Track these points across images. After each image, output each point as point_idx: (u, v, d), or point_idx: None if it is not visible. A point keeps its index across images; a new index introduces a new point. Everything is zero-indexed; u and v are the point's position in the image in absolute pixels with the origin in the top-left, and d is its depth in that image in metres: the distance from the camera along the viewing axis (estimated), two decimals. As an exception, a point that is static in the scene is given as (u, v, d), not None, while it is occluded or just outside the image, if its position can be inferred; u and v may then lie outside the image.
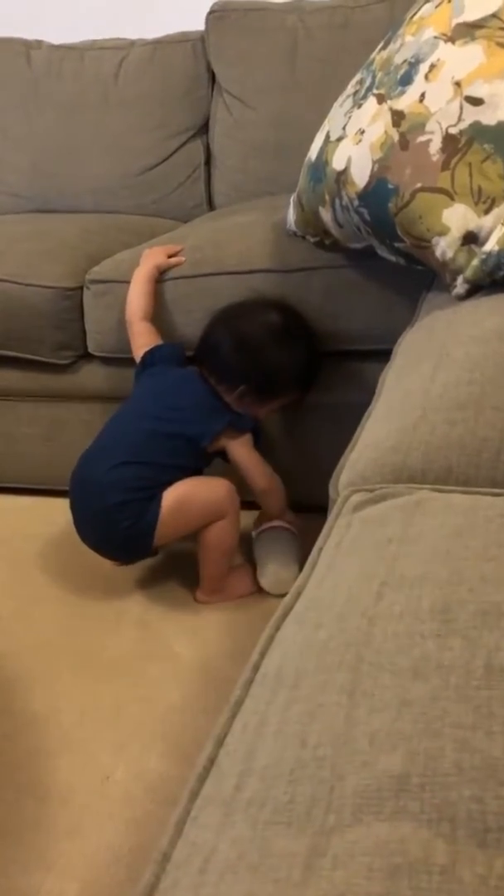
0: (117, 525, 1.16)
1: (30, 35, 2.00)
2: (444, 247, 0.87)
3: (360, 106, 0.98)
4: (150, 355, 1.27)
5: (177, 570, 1.35)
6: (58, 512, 1.56)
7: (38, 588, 1.35)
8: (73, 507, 1.25)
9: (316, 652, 0.42)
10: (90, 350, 1.40)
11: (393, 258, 1.01)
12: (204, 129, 1.83)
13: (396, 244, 0.95)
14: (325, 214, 1.07)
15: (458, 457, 0.63)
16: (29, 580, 1.37)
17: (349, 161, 0.97)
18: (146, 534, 1.16)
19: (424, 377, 0.75)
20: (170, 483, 1.17)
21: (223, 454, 1.23)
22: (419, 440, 0.66)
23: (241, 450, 1.21)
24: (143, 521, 1.15)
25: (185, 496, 1.17)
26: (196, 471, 1.22)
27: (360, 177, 0.94)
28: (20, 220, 1.80)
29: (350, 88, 1.06)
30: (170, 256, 1.31)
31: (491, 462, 0.62)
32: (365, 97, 0.98)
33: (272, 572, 1.24)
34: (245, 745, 0.37)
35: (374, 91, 0.96)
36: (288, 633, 0.46)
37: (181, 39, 1.83)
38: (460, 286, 0.87)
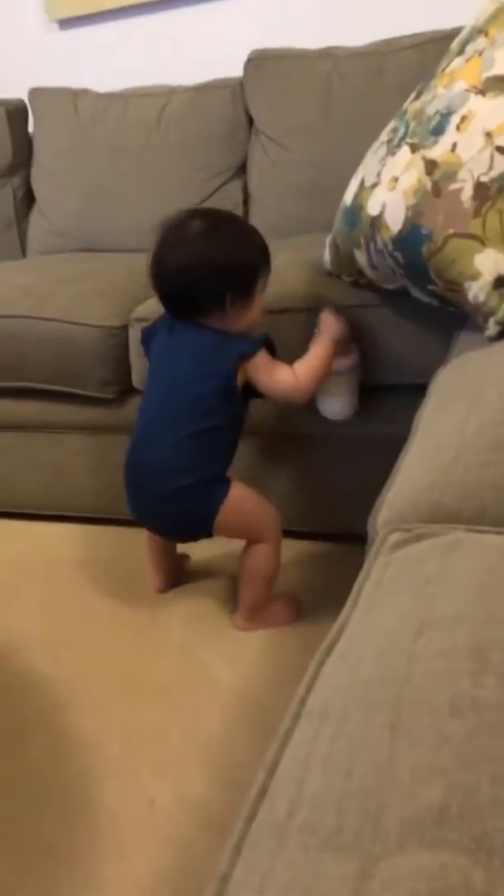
0: (181, 506, 1.18)
1: (78, 84, 2.11)
2: (477, 290, 0.90)
3: (394, 154, 1.03)
4: (145, 332, 1.27)
5: (219, 596, 1.39)
6: (104, 539, 1.62)
7: (85, 613, 1.40)
8: (131, 493, 1.26)
9: (359, 689, 0.45)
10: (134, 385, 1.46)
11: (426, 299, 1.04)
12: (242, 170, 1.89)
13: (430, 287, 0.99)
14: (360, 257, 1.11)
15: (492, 497, 0.66)
16: (75, 606, 1.42)
17: (384, 207, 1.01)
18: (208, 517, 1.18)
19: (458, 418, 0.78)
20: (226, 452, 1.20)
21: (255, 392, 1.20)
22: (454, 480, 0.69)
23: (262, 376, 1.16)
24: (206, 506, 1.17)
25: (244, 494, 1.20)
26: (239, 421, 1.22)
27: (395, 222, 0.99)
28: (67, 259, 1.87)
29: (384, 136, 1.11)
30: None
31: (526, 503, 0.65)
32: (399, 146, 1.03)
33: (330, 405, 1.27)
34: (295, 774, 0.41)
35: (408, 140, 1.01)
36: (331, 669, 0.50)
37: (220, 85, 1.90)
38: (492, 328, 0.91)
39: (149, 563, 1.41)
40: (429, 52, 1.59)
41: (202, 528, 1.21)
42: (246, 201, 1.89)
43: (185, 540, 1.35)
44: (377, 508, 0.73)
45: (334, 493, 1.40)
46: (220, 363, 1.14)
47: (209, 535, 1.22)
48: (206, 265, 1.10)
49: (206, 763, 1.05)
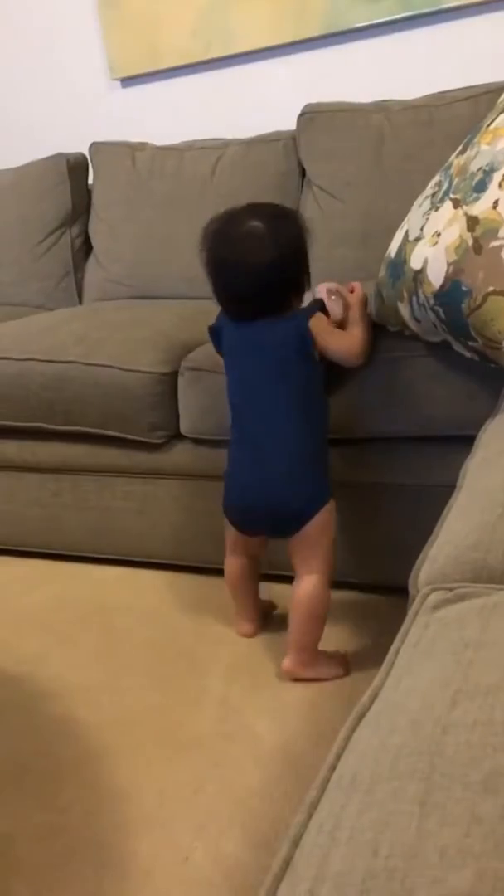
0: (292, 486, 1.19)
1: (138, 138, 2.19)
2: (514, 348, 0.89)
3: (437, 209, 1.03)
4: (212, 329, 1.28)
5: (261, 650, 1.36)
6: (148, 584, 1.62)
7: (125, 660, 1.39)
8: (236, 483, 1.24)
9: (390, 758, 0.43)
10: (182, 431, 1.47)
11: (468, 355, 1.03)
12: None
13: (470, 343, 0.98)
14: (404, 310, 1.11)
15: (538, 558, 0.64)
16: (117, 652, 1.42)
17: (426, 262, 1.01)
18: (312, 506, 1.19)
19: (502, 471, 0.76)
20: (324, 433, 1.22)
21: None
22: (499, 539, 0.67)
23: (328, 337, 1.19)
24: (314, 495, 1.19)
25: (333, 521, 1.22)
26: (325, 397, 1.24)
27: (436, 277, 0.98)
28: (121, 306, 1.92)
29: (429, 189, 1.11)
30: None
31: None
32: (442, 200, 1.03)
33: None
34: (319, 848, 0.39)
35: (451, 195, 1.01)
36: (363, 735, 0.48)
37: (273, 139, 1.95)
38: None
39: (234, 609, 1.39)
40: (481, 105, 1.61)
41: (301, 517, 1.19)
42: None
43: (271, 530, 1.26)
44: (419, 565, 0.71)
45: (381, 543, 1.38)
46: (293, 330, 1.16)
47: (295, 531, 1.20)
48: (287, 258, 1.14)
49: (243, 821, 1.02)
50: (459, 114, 1.67)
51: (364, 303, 1.26)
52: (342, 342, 1.21)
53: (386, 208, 1.66)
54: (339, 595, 1.35)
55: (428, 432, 1.26)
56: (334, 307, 1.24)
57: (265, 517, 1.23)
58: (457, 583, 0.64)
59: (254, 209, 1.18)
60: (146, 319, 1.67)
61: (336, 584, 1.31)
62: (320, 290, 1.27)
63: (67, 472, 1.63)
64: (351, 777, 0.44)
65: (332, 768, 0.46)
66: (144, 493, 1.58)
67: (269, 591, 1.44)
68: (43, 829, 1.05)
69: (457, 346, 1.05)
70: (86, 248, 2.22)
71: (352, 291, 1.29)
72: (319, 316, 1.19)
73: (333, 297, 1.25)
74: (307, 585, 1.22)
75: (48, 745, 1.20)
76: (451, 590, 0.62)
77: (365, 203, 1.76)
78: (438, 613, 0.59)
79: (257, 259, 1.13)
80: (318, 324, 1.18)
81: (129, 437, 1.51)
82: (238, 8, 2.19)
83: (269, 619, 1.43)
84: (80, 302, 2.21)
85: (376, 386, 1.25)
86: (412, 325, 1.13)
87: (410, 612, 0.62)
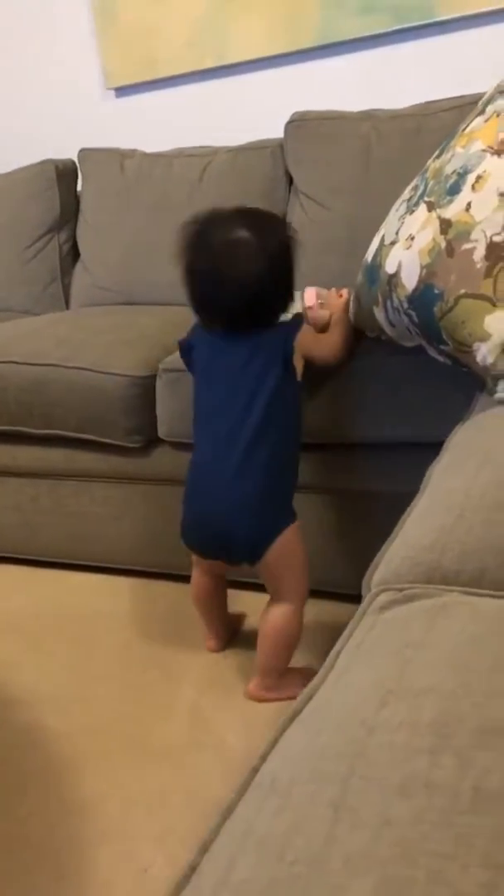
0: (244, 517, 1.11)
1: (132, 147, 2.19)
2: (486, 352, 0.87)
3: (412, 212, 1.02)
4: (183, 344, 1.23)
5: (235, 660, 1.34)
6: (124, 591, 1.60)
7: (98, 668, 1.37)
8: (191, 503, 1.18)
9: (312, 760, 0.41)
10: (160, 435, 1.45)
11: (441, 359, 1.02)
12: (281, 227, 1.91)
13: (442, 346, 0.97)
14: (379, 314, 1.10)
15: (494, 559, 0.62)
16: (89, 659, 1.39)
17: (400, 265, 1.00)
18: (266, 538, 1.12)
19: (468, 476, 0.75)
20: (291, 461, 1.16)
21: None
22: (455, 540, 0.65)
23: (314, 346, 1.17)
24: (269, 526, 1.12)
25: (300, 537, 1.15)
26: (299, 421, 1.18)
27: (410, 281, 0.97)
28: (105, 311, 1.91)
29: (406, 194, 1.10)
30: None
31: (527, 566, 0.61)
32: (417, 204, 1.02)
33: None
34: (227, 854, 0.37)
35: (426, 199, 1.00)
36: (292, 736, 0.46)
37: (261, 146, 1.95)
38: (501, 391, 0.87)
39: (202, 622, 1.35)
40: (467, 114, 1.60)
41: (257, 547, 1.12)
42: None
43: (228, 559, 1.19)
44: (374, 566, 0.69)
45: (347, 551, 1.36)
46: (278, 348, 1.12)
47: (256, 560, 1.13)
48: (278, 268, 1.10)
49: (206, 832, 0.99)
50: (446, 123, 1.66)
51: (346, 306, 1.25)
52: (325, 347, 1.20)
53: (372, 216, 1.63)
54: (322, 605, 1.33)
55: (401, 438, 1.24)
56: (321, 312, 1.23)
57: (219, 549, 1.17)
58: (409, 584, 0.62)
59: (240, 215, 1.13)
60: (129, 324, 1.66)
61: (319, 593, 1.28)
62: (308, 294, 1.25)
63: (45, 477, 1.61)
64: (271, 780, 0.42)
65: (255, 771, 0.44)
66: (122, 498, 1.56)
67: (239, 599, 1.41)
68: (1, 839, 1.03)
69: (430, 351, 1.04)
70: (73, 253, 2.21)
71: (340, 296, 1.28)
72: (305, 330, 1.16)
73: (321, 302, 1.24)
74: (276, 615, 1.17)
75: (13, 753, 1.18)
76: (401, 590, 0.60)
77: (351, 211, 1.75)
78: (385, 614, 0.57)
79: (244, 271, 1.08)
80: (304, 339, 1.15)
81: (107, 441, 1.49)
82: (232, 19, 2.19)
83: (238, 632, 1.41)
84: (67, 307, 2.20)
85: (355, 389, 1.24)
86: (388, 329, 1.12)
87: (357, 613, 0.60)
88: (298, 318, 1.18)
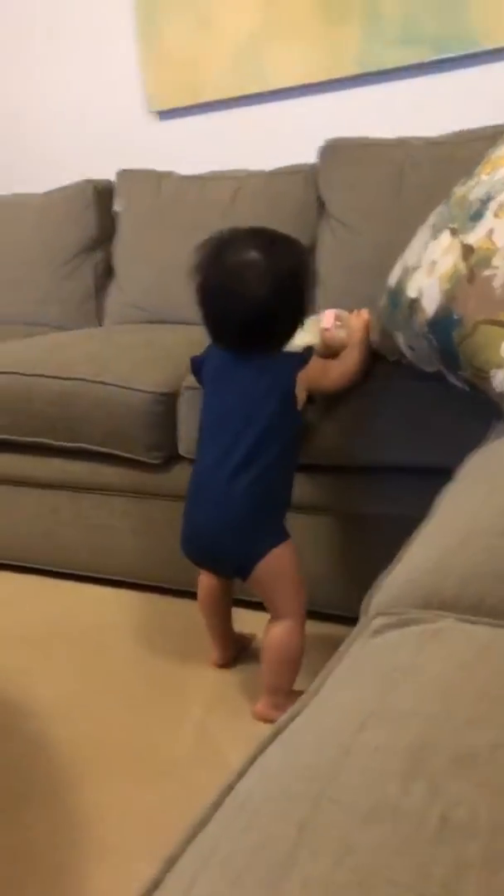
0: (236, 534, 1.13)
1: (168, 168, 2.23)
2: (502, 379, 0.87)
3: (436, 238, 1.02)
4: (195, 362, 1.25)
5: (244, 679, 1.33)
6: (140, 605, 1.60)
7: (108, 680, 1.37)
8: (189, 517, 1.20)
9: (286, 779, 0.41)
10: (180, 452, 1.46)
11: (459, 385, 1.01)
12: (310, 251, 1.92)
13: (460, 372, 0.96)
14: (400, 338, 1.10)
15: (493, 587, 0.61)
16: (100, 671, 1.40)
17: (421, 290, 1.00)
18: (256, 554, 1.13)
19: (475, 501, 0.74)
20: (285, 485, 1.16)
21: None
22: (456, 565, 0.64)
23: (322, 379, 1.17)
24: (259, 541, 1.13)
25: (293, 554, 1.15)
26: (295, 449, 1.19)
27: (430, 306, 0.97)
28: (136, 329, 1.94)
29: (431, 219, 1.10)
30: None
31: (527, 596, 0.60)
32: (441, 230, 1.02)
33: None
34: (190, 871, 0.37)
35: (450, 225, 1.00)
36: (270, 755, 0.45)
37: (295, 171, 1.97)
38: (517, 417, 0.86)
39: (207, 636, 1.36)
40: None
41: (244, 563, 1.14)
42: (313, 280, 1.91)
43: (219, 571, 1.24)
44: (373, 590, 0.69)
45: (366, 573, 1.34)
46: (278, 381, 1.13)
47: (245, 576, 1.15)
48: (286, 293, 1.10)
49: (174, 846, 0.99)
50: (479, 151, 1.65)
51: (366, 327, 1.25)
52: (335, 375, 1.19)
53: (402, 241, 1.63)
54: (331, 628, 1.32)
55: (417, 462, 1.23)
56: (337, 333, 1.23)
57: (211, 561, 1.20)
58: (406, 608, 0.61)
59: (254, 235, 1.14)
60: (157, 342, 1.68)
61: (327, 616, 1.27)
62: (327, 316, 1.26)
63: (67, 489, 1.63)
64: (245, 797, 0.42)
65: (230, 788, 0.43)
66: (141, 513, 1.57)
67: (250, 619, 1.40)
68: (6, 846, 1.03)
69: (449, 377, 1.03)
70: (108, 272, 2.25)
71: (360, 316, 1.28)
72: (312, 363, 1.15)
73: (339, 324, 1.24)
74: (276, 631, 1.17)
75: (21, 761, 1.19)
76: (397, 615, 0.60)
77: (381, 235, 1.76)
78: (378, 638, 0.57)
79: (251, 292, 1.08)
80: (309, 374, 1.14)
81: (129, 455, 1.50)
82: (274, 46, 2.23)
83: (246, 651, 1.40)
84: (100, 324, 2.24)
85: (370, 411, 1.24)
86: (408, 353, 1.12)
87: (351, 635, 0.59)
88: (307, 352, 1.16)
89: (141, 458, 1.50)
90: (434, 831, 0.34)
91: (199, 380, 1.26)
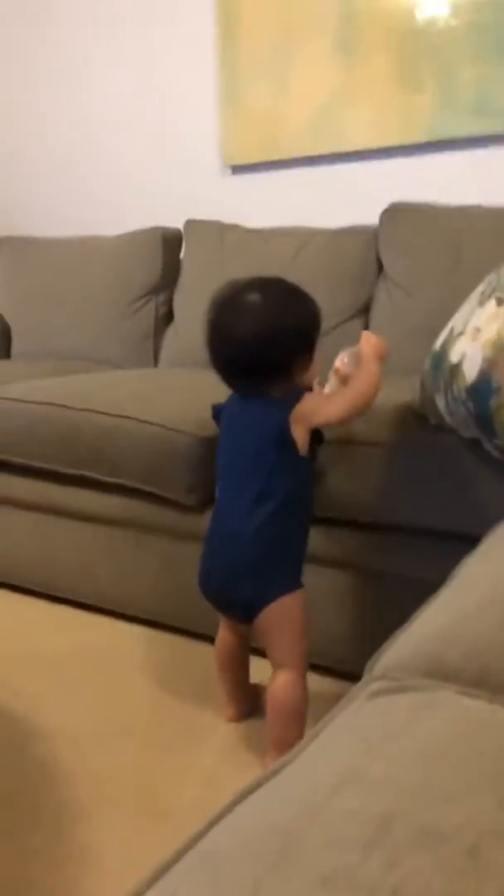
0: (247, 578, 1.14)
1: (238, 220, 2.30)
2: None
3: (482, 305, 1.03)
4: (216, 409, 1.27)
5: (261, 731, 1.31)
6: (164, 645, 1.61)
7: (123, 717, 1.37)
8: (205, 561, 1.23)
9: (250, 836, 0.41)
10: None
11: (494, 453, 1.00)
12: (365, 310, 1.95)
13: (495, 441, 0.95)
14: (440, 402, 1.10)
15: (499, 661, 0.60)
16: (117, 707, 1.40)
17: (463, 356, 1.00)
18: (264, 596, 1.14)
19: (494, 570, 0.73)
20: (297, 531, 1.16)
21: (315, 439, 1.17)
22: (465, 635, 0.63)
23: (317, 415, 1.13)
24: (269, 585, 1.14)
25: (304, 606, 1.15)
26: (306, 493, 1.18)
27: (471, 372, 0.97)
28: (187, 373, 1.98)
29: (480, 287, 1.11)
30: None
31: (533, 674, 0.58)
32: (488, 298, 1.03)
33: None
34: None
35: (497, 294, 1.00)
36: (243, 810, 0.45)
37: (358, 232, 2.01)
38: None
39: (221, 690, 1.35)
40: None
41: (252, 605, 1.14)
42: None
43: (231, 614, 1.23)
44: (380, 652, 0.68)
45: (382, 632, 1.32)
46: (273, 419, 1.13)
47: (251, 618, 1.15)
48: (271, 335, 1.10)
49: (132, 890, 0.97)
50: (542, 223, 1.67)
51: (376, 355, 1.17)
52: (333, 407, 1.13)
53: (456, 308, 1.65)
54: (343, 687, 1.30)
55: (451, 528, 1.21)
56: (350, 370, 1.20)
57: (223, 603, 1.21)
58: (408, 675, 0.60)
59: (263, 282, 1.16)
60: (205, 386, 1.70)
61: (341, 673, 1.25)
62: (340, 356, 1.23)
63: (104, 524, 1.66)
64: (211, 848, 0.42)
65: (198, 837, 0.43)
66: (173, 553, 1.58)
67: (261, 667, 1.39)
68: (6, 874, 1.03)
69: (485, 444, 1.02)
70: (168, 316, 2.32)
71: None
72: (305, 400, 1.12)
73: (346, 360, 1.22)
74: (277, 682, 1.16)
75: (30, 788, 1.19)
76: (397, 680, 0.59)
77: (436, 301, 1.77)
78: (373, 702, 0.56)
79: (242, 331, 1.11)
80: (300, 411, 1.12)
81: (167, 495, 1.53)
82: (350, 110, 2.30)
83: (263, 703, 1.37)
84: (156, 365, 2.30)
85: (406, 475, 1.23)
86: (447, 418, 1.11)
87: (347, 696, 0.58)
88: (298, 391, 1.14)
89: (178, 499, 1.52)
90: (384, 905, 0.33)
91: (219, 425, 1.29)
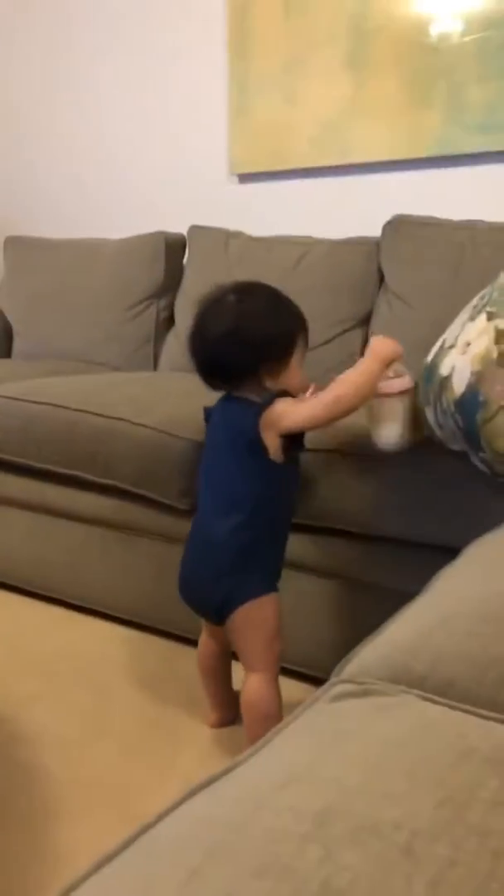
0: (210, 594, 1.16)
1: (243, 228, 2.32)
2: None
3: (473, 319, 1.03)
4: (207, 411, 1.27)
5: (240, 734, 1.31)
6: (152, 649, 1.61)
7: (108, 721, 1.37)
8: (185, 563, 1.25)
9: (197, 827, 0.41)
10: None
11: (480, 466, 1.01)
12: (365, 321, 1.96)
13: (481, 454, 0.96)
14: (429, 414, 1.10)
15: (465, 670, 0.60)
16: (103, 710, 1.40)
17: (453, 369, 1.01)
18: (236, 598, 1.14)
19: (468, 584, 0.73)
20: (271, 537, 1.17)
21: (293, 445, 1.15)
22: (432, 644, 0.63)
23: (286, 419, 1.10)
24: (242, 587, 1.14)
25: (276, 610, 1.16)
26: (281, 499, 1.18)
27: (459, 385, 0.98)
28: (184, 377, 1.97)
29: (473, 301, 1.12)
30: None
31: (496, 683, 0.58)
32: (480, 312, 1.03)
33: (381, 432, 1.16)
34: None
35: (488, 308, 1.01)
36: (194, 803, 0.46)
37: (360, 243, 2.02)
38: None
39: (205, 696, 1.36)
40: None
41: (223, 605, 1.15)
42: (363, 351, 1.93)
43: (205, 615, 1.24)
44: (349, 657, 0.68)
45: (357, 640, 1.33)
46: (243, 423, 1.13)
47: (222, 619, 1.16)
48: (239, 335, 1.11)
49: (74, 877, 0.97)
50: (542, 239, 1.68)
51: (382, 354, 1.15)
52: (305, 410, 1.10)
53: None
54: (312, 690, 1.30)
55: (438, 541, 1.21)
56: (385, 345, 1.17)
57: (197, 604, 1.22)
58: (373, 679, 0.61)
59: (248, 287, 1.17)
60: (201, 391, 1.71)
61: (320, 680, 1.25)
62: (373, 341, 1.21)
63: (97, 525, 1.67)
64: (155, 838, 0.42)
65: (146, 829, 0.44)
66: (163, 557, 1.58)
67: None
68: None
69: (472, 457, 1.03)
70: (169, 320, 2.33)
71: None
72: (275, 404, 1.11)
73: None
74: (249, 685, 1.17)
75: (9, 790, 1.19)
76: (361, 685, 0.59)
77: (436, 313, 1.77)
78: (335, 704, 0.56)
79: (212, 329, 1.13)
80: (269, 417, 1.11)
81: (159, 498, 1.53)
82: (358, 123, 2.31)
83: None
84: (155, 369, 2.30)
85: (401, 487, 1.24)
86: (437, 430, 1.12)
87: (310, 698, 0.59)
88: (269, 396, 1.13)
89: (171, 503, 1.52)
90: (312, 894, 0.33)
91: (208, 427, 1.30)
